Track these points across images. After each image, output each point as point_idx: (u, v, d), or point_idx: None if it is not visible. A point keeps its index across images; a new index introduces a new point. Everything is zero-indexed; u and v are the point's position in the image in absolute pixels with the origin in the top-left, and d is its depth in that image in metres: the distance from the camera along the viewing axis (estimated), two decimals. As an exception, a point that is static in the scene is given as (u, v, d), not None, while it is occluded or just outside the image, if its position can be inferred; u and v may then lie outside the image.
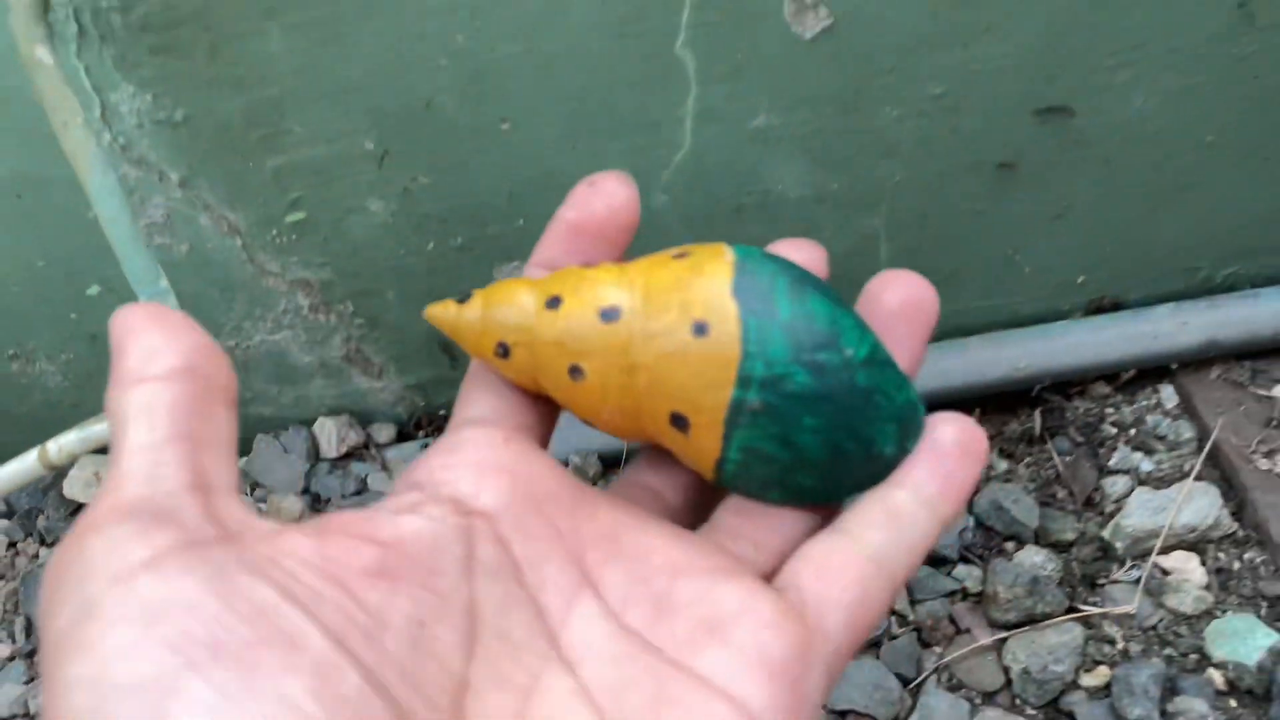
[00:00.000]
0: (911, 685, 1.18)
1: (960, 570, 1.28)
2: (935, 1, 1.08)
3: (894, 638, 1.22)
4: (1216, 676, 1.15)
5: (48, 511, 1.49)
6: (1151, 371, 1.43)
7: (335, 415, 1.44)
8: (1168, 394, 1.43)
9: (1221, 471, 1.33)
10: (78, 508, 1.47)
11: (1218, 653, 1.16)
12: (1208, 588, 1.23)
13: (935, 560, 1.28)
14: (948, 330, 1.44)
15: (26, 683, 1.31)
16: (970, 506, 1.33)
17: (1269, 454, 1.31)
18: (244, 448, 1.44)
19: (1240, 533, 1.28)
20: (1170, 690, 1.14)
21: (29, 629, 1.38)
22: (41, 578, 0.38)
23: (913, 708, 1.16)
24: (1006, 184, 1.27)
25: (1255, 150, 1.26)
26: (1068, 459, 1.38)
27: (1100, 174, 1.27)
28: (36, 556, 1.46)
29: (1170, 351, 1.39)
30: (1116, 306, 1.43)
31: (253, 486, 1.40)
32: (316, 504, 1.39)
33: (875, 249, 1.33)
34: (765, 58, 1.11)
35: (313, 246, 1.24)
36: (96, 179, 0.92)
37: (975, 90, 1.16)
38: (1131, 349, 1.39)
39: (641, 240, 1.31)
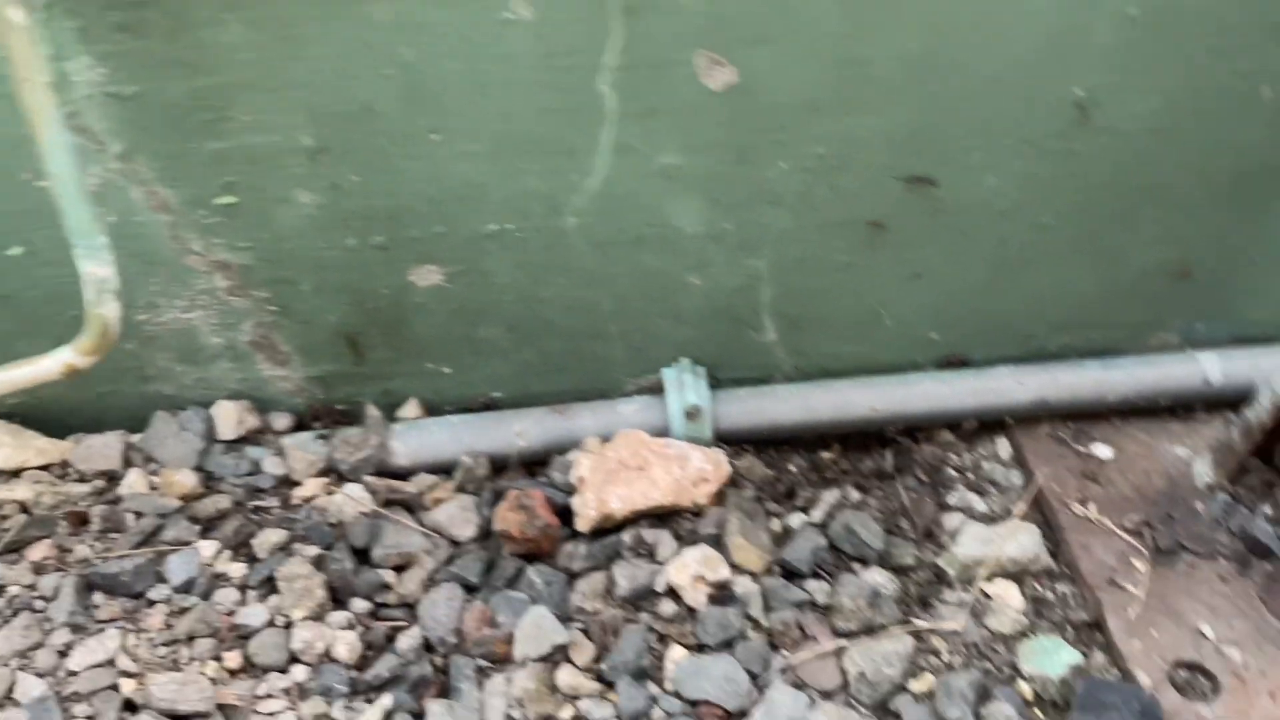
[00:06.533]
0: (759, 681, 1.29)
1: (811, 584, 1.40)
2: (824, 73, 1.24)
3: (746, 639, 1.33)
4: (1025, 688, 1.30)
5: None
6: (991, 424, 1.61)
7: (235, 399, 1.49)
8: (1003, 445, 1.60)
9: (1043, 515, 1.50)
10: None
11: (1028, 667, 1.31)
12: (1024, 612, 1.38)
13: (790, 574, 1.41)
14: (814, 372, 1.59)
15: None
16: (824, 529, 1.46)
17: (1083, 501, 1.50)
18: (141, 424, 1.47)
19: (1055, 568, 1.44)
20: (985, 697, 1.28)
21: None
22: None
23: (759, 701, 1.26)
24: (875, 241, 1.43)
25: (1084, 237, 1.46)
26: (913, 495, 1.53)
27: (955, 242, 1.45)
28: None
29: (1006, 406, 1.57)
30: (963, 363, 1.61)
31: (147, 459, 1.44)
32: (210, 480, 1.43)
33: (759, 289, 1.48)
34: (677, 103, 1.25)
35: (238, 230, 1.31)
36: (53, 134, 0.98)
37: (853, 154, 1.33)
38: (974, 401, 1.57)
39: (549, 256, 1.47)
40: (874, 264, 1.47)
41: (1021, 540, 1.44)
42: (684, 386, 1.51)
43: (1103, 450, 1.56)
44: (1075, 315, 1.57)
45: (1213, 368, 1.57)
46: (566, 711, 1.26)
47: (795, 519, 1.49)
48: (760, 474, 1.55)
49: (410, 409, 1.54)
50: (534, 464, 1.52)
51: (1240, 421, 1.45)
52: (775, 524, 1.48)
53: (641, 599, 1.37)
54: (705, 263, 1.44)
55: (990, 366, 1.59)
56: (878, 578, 1.41)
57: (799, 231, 1.41)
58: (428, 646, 1.31)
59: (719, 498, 1.47)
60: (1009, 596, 1.39)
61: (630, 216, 1.36)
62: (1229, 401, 1.59)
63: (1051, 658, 1.31)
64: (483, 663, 1.30)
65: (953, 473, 1.57)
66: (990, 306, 1.54)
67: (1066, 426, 1.60)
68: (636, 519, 1.44)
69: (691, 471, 1.45)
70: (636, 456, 1.46)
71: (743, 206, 1.38)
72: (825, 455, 1.60)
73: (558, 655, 1.30)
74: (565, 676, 1.28)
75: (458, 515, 1.42)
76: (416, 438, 1.49)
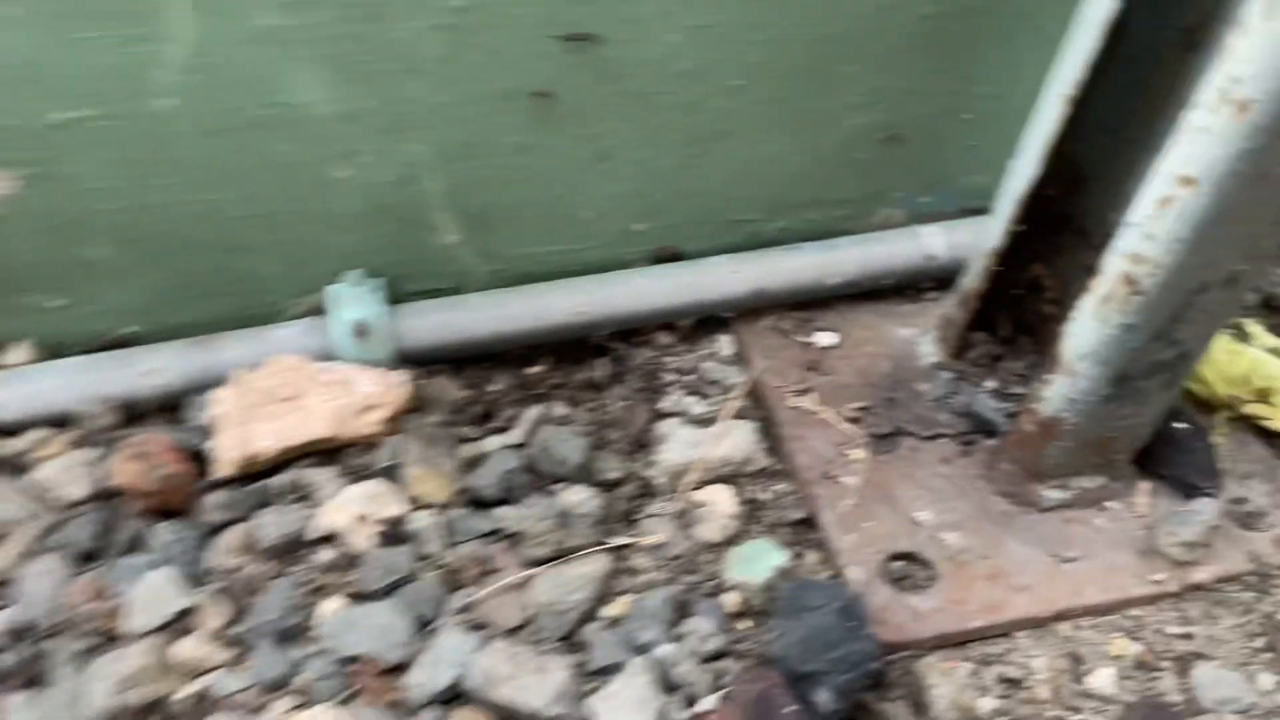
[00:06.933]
0: (428, 627, 1.11)
1: (502, 511, 1.22)
2: (434, -101, 1.04)
3: (416, 581, 1.14)
4: (731, 599, 1.16)
5: None
6: (711, 321, 1.46)
7: None
8: (724, 342, 1.46)
9: (763, 412, 1.37)
10: None
11: (733, 575, 1.17)
12: (735, 517, 1.24)
13: (476, 502, 1.23)
14: (515, 278, 1.40)
15: None
16: (522, 449, 1.29)
17: (801, 393, 1.37)
18: None
19: (772, 466, 1.31)
20: (682, 613, 1.14)
21: None
22: None
23: (424, 649, 1.08)
24: (547, 116, 1.25)
25: (779, 100, 1.32)
26: (626, 404, 1.37)
27: (640, 113, 1.28)
28: None
29: (723, 300, 1.43)
30: (677, 257, 1.45)
31: None
32: None
33: (423, 180, 1.28)
34: (259, -55, 1.03)
35: None
36: None
37: (496, 7, 1.14)
38: (688, 297, 1.41)
39: (148, 151, 1.16)
40: (553, 144, 1.29)
41: (735, 440, 1.30)
42: (349, 301, 1.30)
43: (826, 338, 1.44)
44: (789, 194, 1.44)
45: (936, 241, 1.47)
46: (190, 687, 1.05)
47: (492, 442, 1.31)
48: (453, 396, 1.36)
49: (19, 352, 1.28)
50: (176, 408, 1.29)
51: (957, 292, 1.34)
52: (468, 449, 1.30)
53: (295, 549, 1.16)
54: (350, 150, 1.22)
55: (705, 258, 1.44)
56: (576, 496, 1.24)
57: (455, 107, 1.22)
58: (22, 632, 1.07)
59: (395, 425, 1.28)
60: (720, 501, 1.25)
61: (238, 94, 1.14)
62: (958, 276, 1.49)
63: (757, 563, 1.17)
64: (91, 641, 1.07)
65: (670, 376, 1.42)
66: (694, 188, 1.39)
67: (791, 317, 1.47)
68: (294, 458, 1.23)
69: (358, 398, 1.25)
70: (289, 385, 1.25)
71: (380, 78, 1.17)
72: (533, 370, 1.42)
73: (181, 624, 1.09)
74: (188, 647, 1.07)
75: (66, 473, 1.18)
76: (18, 386, 1.24)
